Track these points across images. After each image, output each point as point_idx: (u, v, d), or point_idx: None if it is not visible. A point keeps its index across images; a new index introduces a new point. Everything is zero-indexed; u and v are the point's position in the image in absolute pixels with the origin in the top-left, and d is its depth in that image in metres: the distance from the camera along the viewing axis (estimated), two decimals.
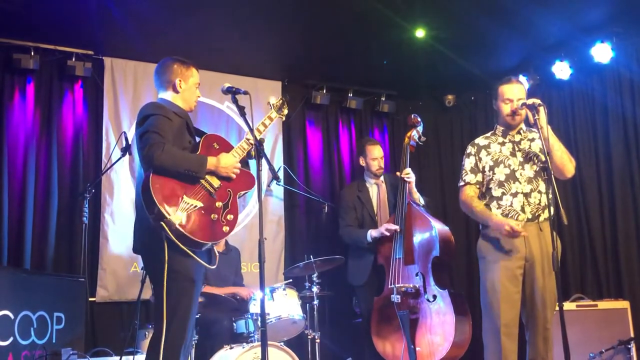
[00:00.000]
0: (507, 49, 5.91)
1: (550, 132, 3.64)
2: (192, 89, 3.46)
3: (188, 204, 3.09)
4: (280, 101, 3.77)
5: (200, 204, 3.14)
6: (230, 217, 3.24)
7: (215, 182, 3.25)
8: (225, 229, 3.21)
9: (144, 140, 3.12)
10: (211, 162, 3.22)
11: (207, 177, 3.22)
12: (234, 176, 3.29)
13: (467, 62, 6.00)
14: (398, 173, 5.02)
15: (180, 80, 3.41)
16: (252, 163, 3.51)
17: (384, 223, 5.02)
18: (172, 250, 3.04)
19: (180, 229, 3.01)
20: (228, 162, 3.29)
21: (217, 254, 3.35)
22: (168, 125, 3.19)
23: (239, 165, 3.35)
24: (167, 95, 3.42)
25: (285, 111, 3.79)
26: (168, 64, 3.44)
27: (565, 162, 3.72)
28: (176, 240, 3.00)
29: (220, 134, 5.98)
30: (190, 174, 3.12)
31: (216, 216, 3.19)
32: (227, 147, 3.43)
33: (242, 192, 3.41)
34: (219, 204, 3.22)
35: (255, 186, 3.18)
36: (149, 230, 3.08)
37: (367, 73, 6.46)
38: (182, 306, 3.11)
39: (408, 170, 4.96)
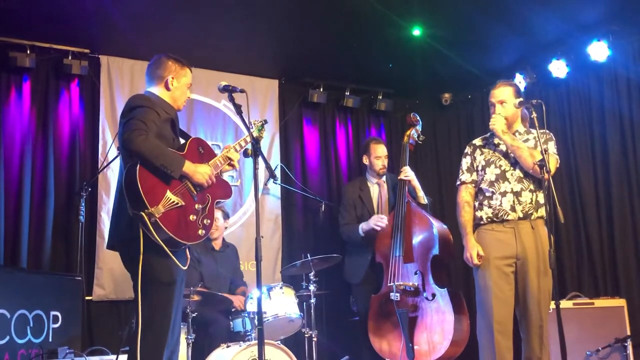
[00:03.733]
0: (503, 47, 5.91)
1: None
2: (183, 89, 3.42)
3: (170, 200, 3.05)
4: (262, 122, 3.76)
5: (181, 203, 3.10)
6: (206, 221, 3.22)
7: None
8: (201, 232, 3.19)
9: (127, 126, 3.06)
10: (188, 165, 3.16)
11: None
12: (205, 185, 3.22)
13: (464, 61, 6.00)
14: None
15: (172, 78, 3.37)
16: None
17: None
18: (149, 249, 3.00)
19: (160, 223, 2.97)
20: (204, 170, 3.24)
21: (189, 256, 3.31)
22: (154, 118, 3.14)
23: (215, 175, 3.30)
24: (157, 90, 3.38)
25: (264, 133, 3.77)
26: (163, 59, 3.41)
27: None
28: (155, 234, 2.97)
29: (217, 132, 6.15)
30: (165, 170, 3.06)
31: (195, 217, 3.16)
32: (210, 154, 3.42)
33: (220, 201, 3.40)
34: (198, 206, 3.19)
35: (253, 185, 3.17)
36: (127, 226, 3.05)
37: (364, 71, 6.46)
38: (162, 306, 3.08)
39: (405, 168, 4.96)
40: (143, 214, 2.93)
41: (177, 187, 3.12)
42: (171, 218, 3.04)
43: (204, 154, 3.37)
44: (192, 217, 3.15)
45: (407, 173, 4.94)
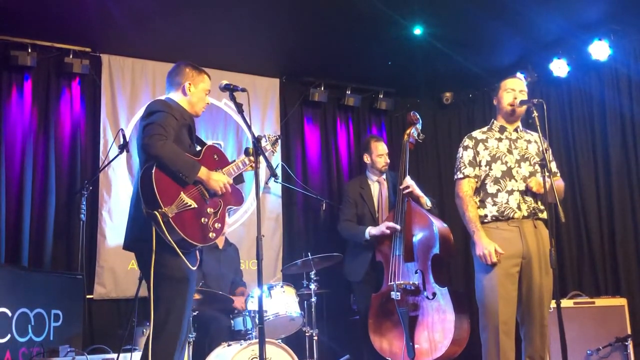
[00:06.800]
0: (505, 46, 5.91)
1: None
2: (201, 94, 3.51)
3: (183, 201, 3.12)
4: (276, 137, 3.87)
5: (194, 205, 3.16)
6: (217, 225, 3.28)
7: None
8: (212, 235, 3.24)
9: (147, 130, 3.14)
10: (203, 172, 3.24)
11: None
12: (219, 192, 3.30)
13: (465, 60, 6.00)
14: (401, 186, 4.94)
15: (189, 84, 3.46)
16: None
17: (384, 221, 5.01)
18: (161, 248, 3.06)
19: (172, 223, 3.03)
20: (219, 177, 3.31)
21: (198, 258, 3.36)
22: (173, 124, 3.22)
23: (229, 183, 3.37)
24: (175, 96, 3.47)
25: (277, 147, 3.86)
26: (181, 66, 3.50)
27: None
28: (167, 234, 3.02)
29: (218, 131, 6.15)
30: (180, 175, 3.13)
31: (206, 220, 3.22)
32: (224, 161, 3.48)
33: (231, 207, 3.45)
34: (210, 210, 3.26)
35: (254, 185, 3.19)
36: (142, 226, 3.10)
37: (365, 70, 6.46)
38: (176, 305, 3.13)
39: (405, 179, 4.88)
40: (157, 213, 3.00)
41: (191, 190, 3.19)
42: (183, 219, 3.10)
43: (218, 160, 3.43)
44: (203, 220, 3.20)
45: (408, 183, 4.86)
